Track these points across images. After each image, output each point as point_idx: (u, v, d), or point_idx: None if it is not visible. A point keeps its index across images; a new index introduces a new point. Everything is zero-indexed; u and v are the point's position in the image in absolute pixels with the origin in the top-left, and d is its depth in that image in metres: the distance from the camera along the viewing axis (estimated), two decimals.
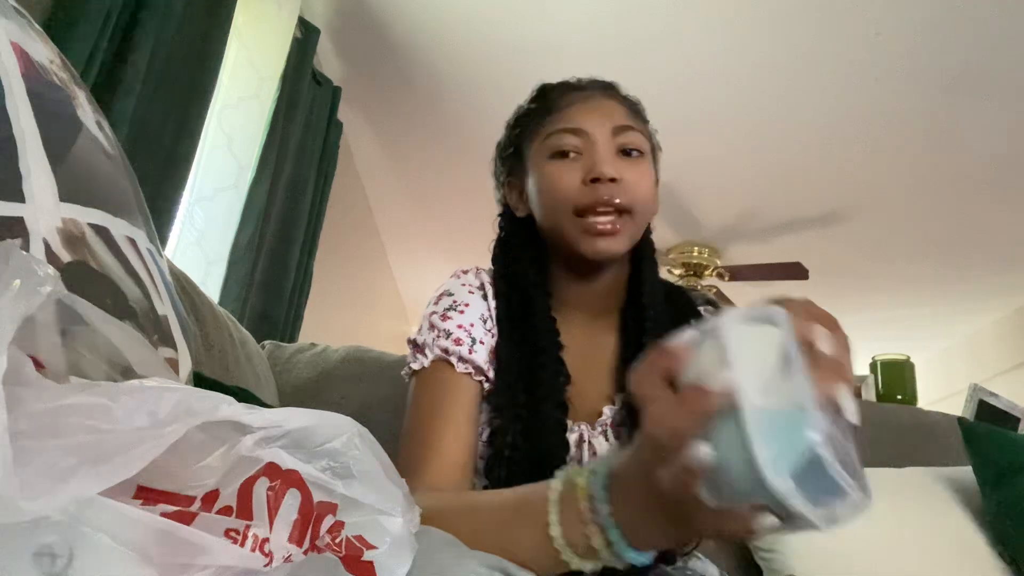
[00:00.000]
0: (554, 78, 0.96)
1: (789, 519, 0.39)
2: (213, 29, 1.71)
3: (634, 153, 0.87)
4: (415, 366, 0.84)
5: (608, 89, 0.93)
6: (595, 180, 0.83)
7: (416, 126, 3.16)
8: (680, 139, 2.97)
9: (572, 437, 0.83)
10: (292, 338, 2.40)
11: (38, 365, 0.35)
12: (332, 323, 3.33)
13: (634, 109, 0.92)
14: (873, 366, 3.11)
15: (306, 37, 2.36)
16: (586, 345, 0.89)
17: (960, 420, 1.33)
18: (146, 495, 0.33)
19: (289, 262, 2.35)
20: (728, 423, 0.38)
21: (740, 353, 0.40)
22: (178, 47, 1.56)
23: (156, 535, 0.31)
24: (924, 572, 1.14)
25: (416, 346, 0.86)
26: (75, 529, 0.29)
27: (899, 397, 3.01)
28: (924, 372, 4.05)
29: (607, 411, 0.85)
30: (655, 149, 0.95)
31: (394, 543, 0.37)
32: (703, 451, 0.39)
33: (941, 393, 4.72)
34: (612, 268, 0.90)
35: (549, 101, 0.92)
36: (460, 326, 0.84)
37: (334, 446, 0.36)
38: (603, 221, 0.83)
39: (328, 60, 2.75)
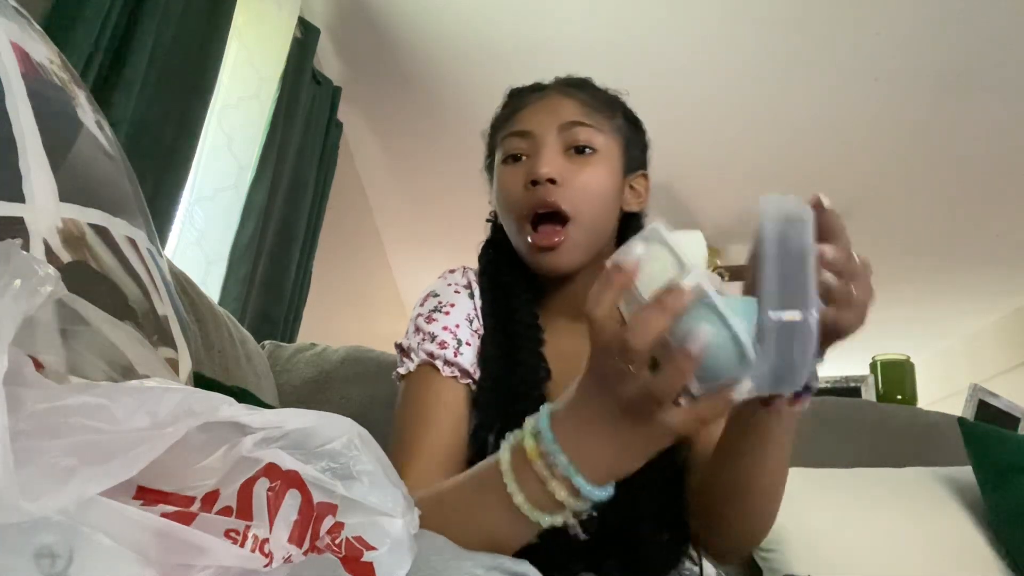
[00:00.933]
0: (551, 78, 0.96)
1: (751, 389, 0.45)
2: (213, 29, 1.71)
3: (586, 151, 0.84)
4: (402, 370, 0.84)
5: (568, 86, 0.89)
6: (534, 183, 0.81)
7: (416, 126, 3.16)
8: (679, 139, 2.97)
9: None
10: (292, 338, 2.40)
11: (38, 365, 0.35)
12: (332, 323, 3.33)
13: (594, 104, 0.87)
14: (873, 366, 3.10)
15: (306, 37, 2.36)
16: (570, 349, 0.87)
17: (960, 420, 1.33)
18: (146, 495, 0.33)
19: (289, 262, 2.35)
20: (701, 314, 0.43)
21: (686, 255, 0.45)
22: (178, 47, 1.56)
23: (156, 535, 0.31)
24: (924, 572, 1.14)
25: (403, 350, 0.85)
26: (75, 529, 0.29)
27: (899, 397, 3.01)
28: (924, 372, 4.04)
29: None
30: (629, 144, 0.90)
31: (394, 544, 0.37)
32: (700, 336, 0.43)
33: (941, 393, 4.72)
34: (584, 273, 0.86)
35: (510, 105, 0.91)
36: (445, 328, 0.84)
37: (334, 447, 0.36)
38: (544, 233, 0.81)
39: (328, 60, 2.75)
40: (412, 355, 0.83)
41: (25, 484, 0.27)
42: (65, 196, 0.53)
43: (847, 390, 3.06)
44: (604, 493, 0.51)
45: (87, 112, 0.61)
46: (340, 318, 3.58)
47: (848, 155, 3.06)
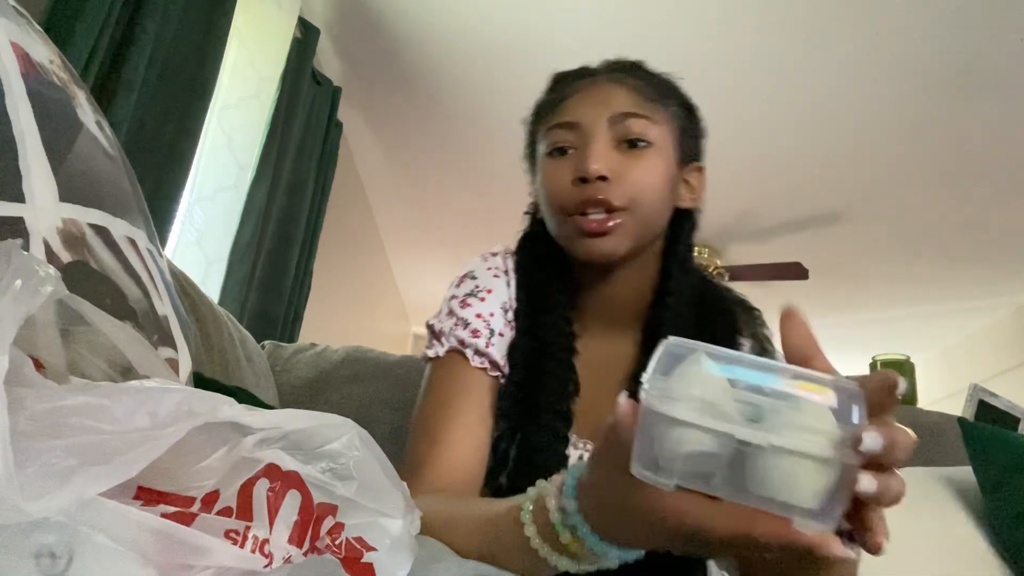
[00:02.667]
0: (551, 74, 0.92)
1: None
2: (213, 29, 1.71)
3: (639, 144, 0.77)
4: (430, 353, 0.80)
5: (618, 72, 0.83)
6: (583, 179, 0.76)
7: (416, 126, 3.16)
8: None
9: (574, 454, 0.77)
10: (292, 338, 2.41)
11: (38, 365, 0.35)
12: (332, 323, 3.33)
13: (647, 92, 0.80)
14: (873, 366, 3.10)
15: (306, 37, 2.36)
16: (603, 357, 0.83)
17: (960, 420, 1.33)
18: (146, 496, 0.33)
19: (289, 262, 2.35)
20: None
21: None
22: (178, 47, 1.56)
23: (156, 536, 0.31)
24: (924, 572, 1.14)
25: (433, 332, 0.81)
26: (75, 530, 0.29)
27: None
28: (924, 372, 4.06)
29: None
30: (684, 134, 0.84)
31: (394, 545, 0.37)
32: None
33: (941, 393, 4.72)
34: (628, 270, 0.81)
35: (556, 92, 0.85)
36: (479, 315, 0.80)
37: (334, 447, 0.36)
38: (591, 219, 0.75)
39: (328, 60, 2.75)
40: (443, 339, 0.79)
41: (25, 484, 0.27)
42: (65, 196, 0.53)
43: None
44: (629, 555, 0.46)
45: (87, 112, 0.61)
46: (340, 318, 3.58)
47: (847, 155, 3.06)
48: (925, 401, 3.45)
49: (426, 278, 4.89)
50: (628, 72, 0.83)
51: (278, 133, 2.19)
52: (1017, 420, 2.09)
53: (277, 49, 2.18)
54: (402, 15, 2.50)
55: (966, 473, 1.29)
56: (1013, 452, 1.22)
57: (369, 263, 4.19)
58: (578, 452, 0.77)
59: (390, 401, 1.26)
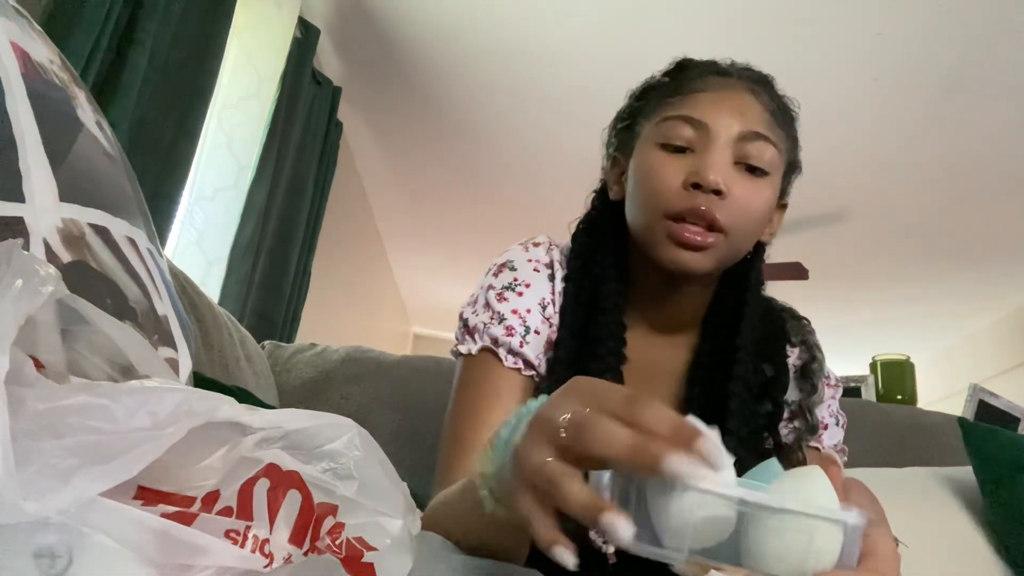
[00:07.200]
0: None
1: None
2: (213, 29, 1.71)
3: (758, 171, 0.73)
4: (463, 348, 0.78)
5: (756, 83, 0.78)
6: (696, 186, 0.71)
7: (416, 126, 3.16)
8: None
9: None
10: (291, 338, 2.41)
11: (38, 365, 0.35)
12: (332, 323, 3.33)
13: (779, 116, 0.77)
14: (873, 366, 3.10)
15: (306, 37, 2.36)
16: (648, 362, 0.80)
17: (960, 420, 1.33)
18: (146, 496, 0.33)
19: (288, 262, 2.35)
20: None
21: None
22: (178, 47, 1.56)
23: (156, 536, 0.31)
24: (923, 572, 1.14)
25: (467, 326, 0.79)
26: (75, 530, 0.29)
27: (899, 397, 3.00)
28: (924, 372, 4.04)
29: None
30: (792, 168, 0.81)
31: (394, 545, 0.37)
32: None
33: (941, 393, 4.72)
34: (694, 285, 0.79)
35: (681, 80, 0.79)
36: (515, 311, 0.77)
37: (335, 447, 0.36)
38: (693, 231, 0.71)
39: (328, 60, 2.75)
40: (476, 336, 0.77)
41: (25, 484, 0.27)
42: (65, 196, 0.53)
43: (847, 390, 3.06)
44: None
45: (87, 112, 0.61)
46: (340, 318, 3.58)
47: (848, 155, 3.06)
48: (925, 401, 3.45)
49: (426, 278, 4.89)
50: (764, 87, 0.79)
51: (278, 133, 2.19)
52: (1017, 420, 2.09)
53: (277, 49, 2.18)
54: (402, 15, 2.50)
55: (966, 473, 1.29)
56: (1013, 452, 1.22)
57: (369, 263, 4.19)
58: None
59: (390, 401, 1.26)
